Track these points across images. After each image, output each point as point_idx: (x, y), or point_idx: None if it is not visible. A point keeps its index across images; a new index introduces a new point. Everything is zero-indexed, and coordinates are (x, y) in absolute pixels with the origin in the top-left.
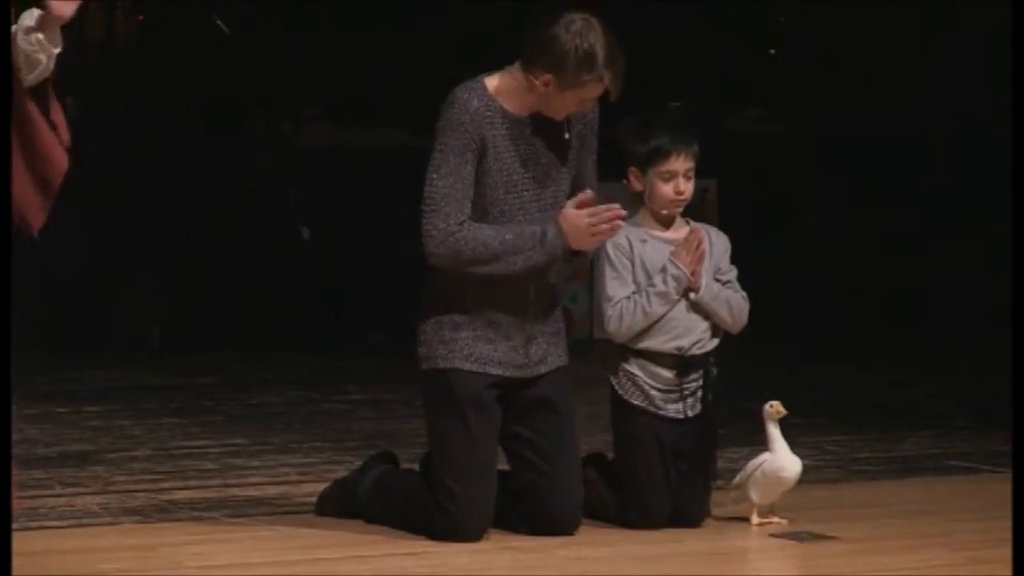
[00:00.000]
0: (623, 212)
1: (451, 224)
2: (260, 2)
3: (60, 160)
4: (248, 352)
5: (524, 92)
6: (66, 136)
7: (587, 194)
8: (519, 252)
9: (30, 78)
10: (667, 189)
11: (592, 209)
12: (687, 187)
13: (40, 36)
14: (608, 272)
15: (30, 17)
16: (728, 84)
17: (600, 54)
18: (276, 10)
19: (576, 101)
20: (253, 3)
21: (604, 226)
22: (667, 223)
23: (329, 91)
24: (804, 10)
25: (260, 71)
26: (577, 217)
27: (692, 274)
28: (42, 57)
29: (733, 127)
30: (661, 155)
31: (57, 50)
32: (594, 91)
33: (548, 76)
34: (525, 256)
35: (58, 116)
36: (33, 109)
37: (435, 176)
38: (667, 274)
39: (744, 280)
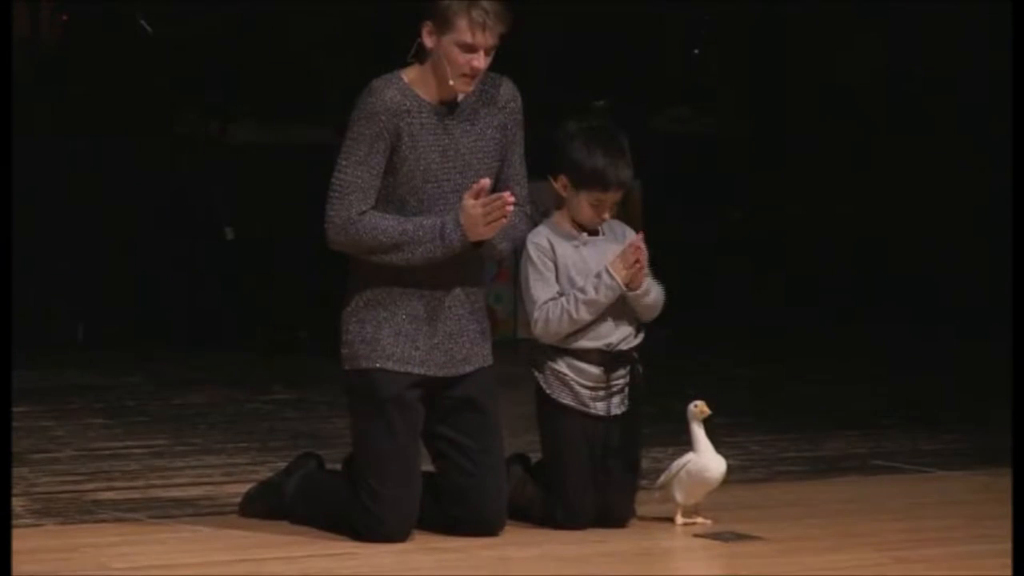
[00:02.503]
0: (512, 198)
1: (353, 212)
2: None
3: None
4: (173, 351)
5: (434, 80)
6: None
7: (482, 183)
8: (418, 243)
9: None
10: (592, 213)
11: (484, 199)
12: (610, 215)
13: None
14: (532, 274)
15: None
16: (653, 83)
17: None
18: (202, 7)
19: (456, 48)
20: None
21: (497, 213)
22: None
23: (255, 89)
24: (730, 9)
25: (185, 69)
26: (472, 207)
27: (626, 285)
28: None
29: (658, 126)
30: (598, 184)
31: None
32: (467, 32)
33: (428, 23)
34: (424, 248)
35: None
36: None
37: (344, 163)
38: (601, 282)
39: (671, 279)
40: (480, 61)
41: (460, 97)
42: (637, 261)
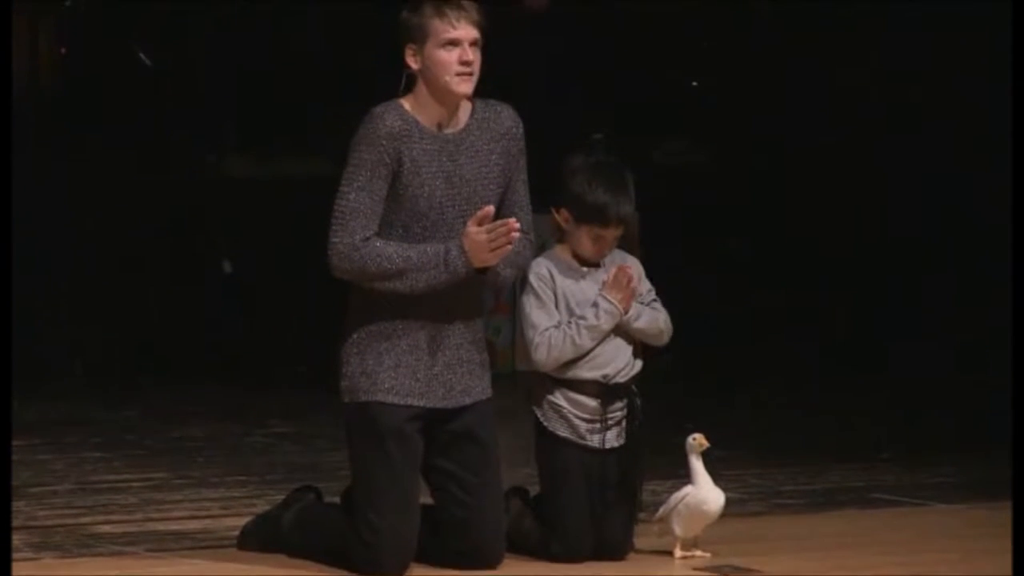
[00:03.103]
0: (517, 224)
1: (356, 239)
2: (183, 32)
3: None
4: (171, 384)
5: (433, 101)
6: None
7: (486, 210)
8: (422, 270)
9: None
10: (592, 247)
11: (489, 225)
12: (609, 248)
13: None
14: (533, 302)
15: None
16: (650, 115)
17: None
18: (200, 37)
19: (442, 51)
20: (176, 35)
21: (502, 240)
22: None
23: (254, 120)
24: (728, 40)
25: (183, 100)
26: (476, 233)
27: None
28: None
29: (656, 159)
30: (599, 220)
31: None
32: (444, 28)
33: (409, 45)
34: (428, 274)
35: None
36: None
37: (346, 190)
38: (600, 309)
39: (669, 311)
40: (468, 53)
41: (462, 125)
42: (628, 283)
